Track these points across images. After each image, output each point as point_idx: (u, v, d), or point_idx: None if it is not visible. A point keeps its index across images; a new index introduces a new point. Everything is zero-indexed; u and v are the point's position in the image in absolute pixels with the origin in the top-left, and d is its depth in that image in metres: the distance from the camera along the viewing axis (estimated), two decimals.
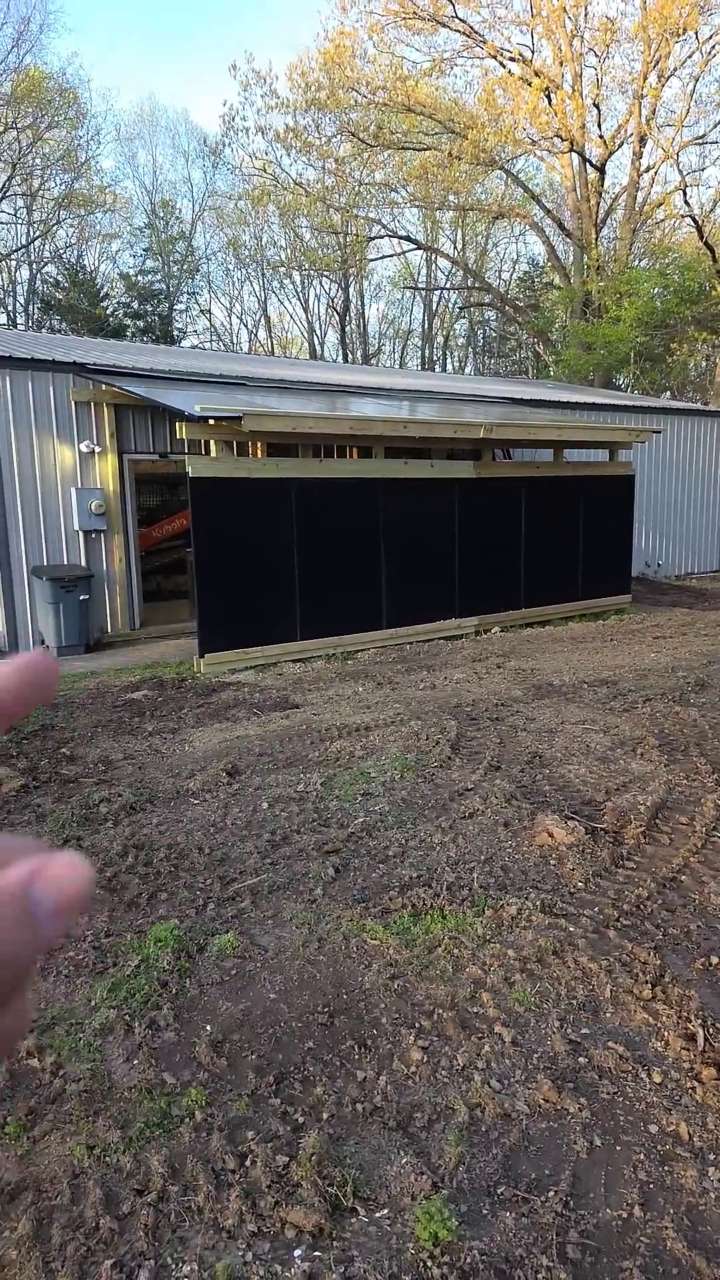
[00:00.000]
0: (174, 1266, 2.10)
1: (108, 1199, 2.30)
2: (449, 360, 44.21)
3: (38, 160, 33.15)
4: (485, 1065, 2.83)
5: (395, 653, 10.09)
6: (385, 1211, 2.27)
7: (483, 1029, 3.01)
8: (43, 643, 10.49)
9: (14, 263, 36.36)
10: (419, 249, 35.36)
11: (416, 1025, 3.02)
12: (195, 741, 6.52)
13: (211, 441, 9.18)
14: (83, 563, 10.91)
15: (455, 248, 39.41)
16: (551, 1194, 2.33)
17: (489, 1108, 2.63)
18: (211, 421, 8.72)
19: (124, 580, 11.39)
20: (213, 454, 9.15)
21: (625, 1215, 2.27)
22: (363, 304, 43.54)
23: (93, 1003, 3.09)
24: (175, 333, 39.12)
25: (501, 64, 26.36)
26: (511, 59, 26.21)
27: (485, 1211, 2.28)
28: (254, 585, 9.30)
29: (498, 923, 3.68)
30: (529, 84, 25.20)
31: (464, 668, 9.11)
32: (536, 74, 25.34)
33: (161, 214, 40.09)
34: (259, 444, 10.01)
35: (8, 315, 36.80)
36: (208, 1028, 3.00)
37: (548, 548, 12.09)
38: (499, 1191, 2.34)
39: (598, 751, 6.19)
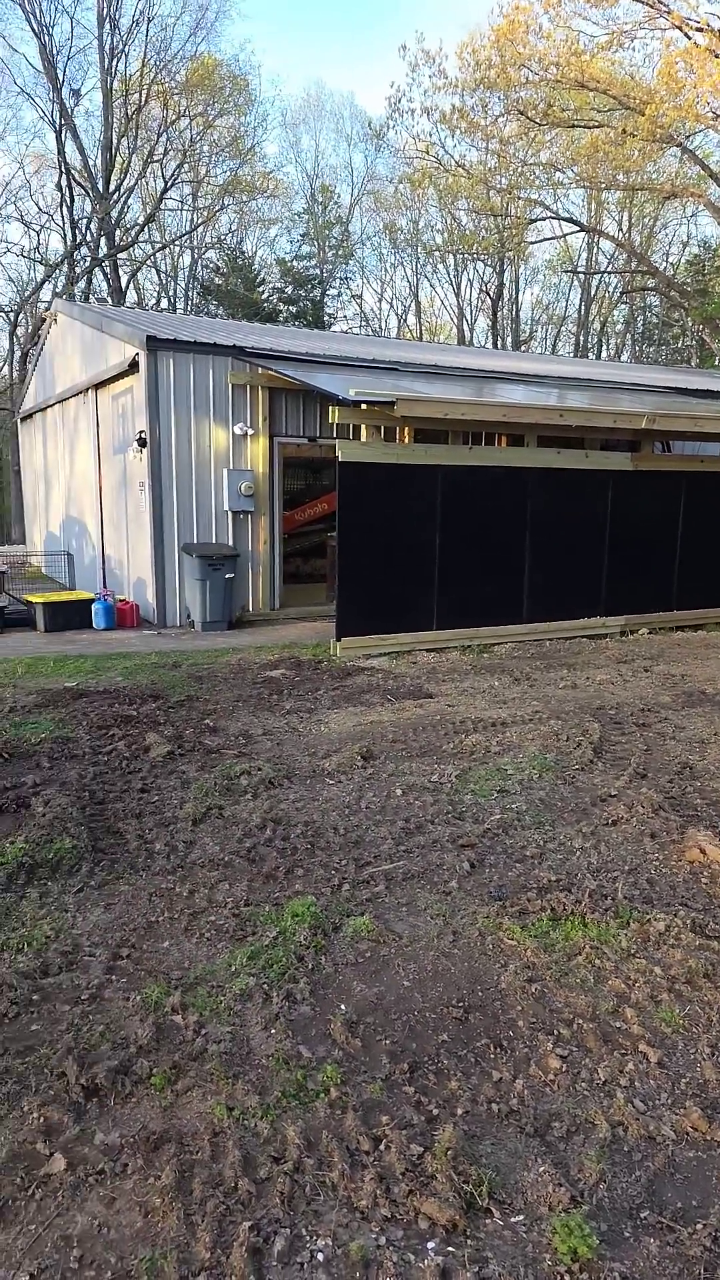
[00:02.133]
0: (308, 1239, 2.14)
1: (246, 1161, 2.36)
2: (605, 348, 42.52)
3: (205, 148, 34.40)
4: (629, 1084, 2.71)
5: (534, 648, 9.85)
6: (521, 1218, 2.21)
7: (626, 1045, 2.88)
8: (188, 617, 10.97)
9: (178, 248, 38.00)
10: (581, 230, 34.11)
11: (555, 1033, 2.93)
12: (330, 723, 6.62)
13: (362, 426, 9.25)
14: (230, 542, 11.31)
15: (620, 230, 37.75)
16: (700, 1227, 2.19)
17: (632, 1128, 2.51)
18: (363, 406, 8.77)
19: (267, 561, 11.72)
20: (363, 438, 9.21)
21: None
22: (517, 289, 42.61)
23: (233, 968, 3.19)
24: (326, 318, 39.71)
25: (686, 34, 24.81)
26: (698, 29, 24.62)
27: (627, 1234, 2.18)
28: (394, 572, 9.32)
29: (644, 937, 3.51)
30: (716, 55, 23.61)
31: (608, 668, 8.76)
32: None
33: (320, 199, 40.69)
34: (406, 429, 9.98)
35: (169, 300, 38.57)
36: (342, 1006, 3.03)
37: (706, 548, 11.41)
38: (642, 1215, 2.23)
39: None
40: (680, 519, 11.20)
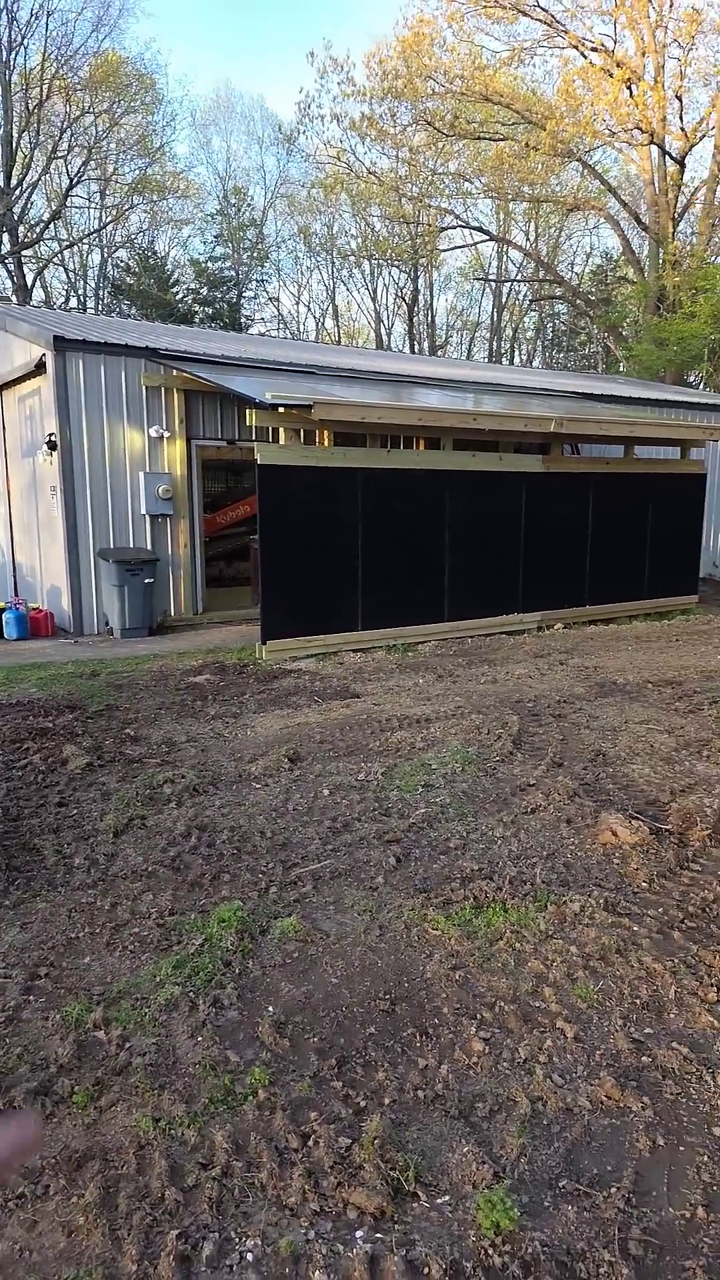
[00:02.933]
0: (237, 1240, 2.14)
1: (173, 1171, 2.34)
2: (517, 354, 43.62)
3: (112, 145, 33.73)
4: (547, 1059, 2.80)
5: (456, 646, 10.03)
6: (447, 1198, 2.27)
7: (545, 1023, 2.98)
8: (107, 625, 10.73)
9: (86, 247, 37.11)
10: (491, 240, 34.96)
11: (478, 1016, 3.00)
12: (257, 727, 6.59)
13: (280, 429, 9.25)
14: (148, 546, 11.12)
15: (528, 239, 38.81)
16: (614, 1190, 2.29)
17: (551, 1101, 2.60)
18: (281, 409, 8.77)
19: (188, 565, 11.57)
20: (281, 441, 9.21)
21: (689, 1215, 2.22)
22: (431, 295, 43.27)
23: (157, 979, 3.15)
24: (243, 320, 39.47)
25: (583, 54, 25.79)
26: (593, 49, 25.62)
27: (547, 1204, 2.26)
28: (317, 574, 9.35)
29: (560, 918, 3.63)
30: (610, 75, 24.60)
31: (526, 663, 9.01)
32: (618, 64, 24.70)
33: (233, 200, 40.43)
34: (326, 432, 10.03)
35: (79, 299, 37.62)
36: (270, 1008, 3.03)
37: (614, 545, 11.85)
38: (561, 1185, 2.32)
39: (662, 752, 6.06)
40: (590, 517, 11.60)
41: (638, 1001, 3.07)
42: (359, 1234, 2.15)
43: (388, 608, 9.89)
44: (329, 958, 3.36)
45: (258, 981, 3.19)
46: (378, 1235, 2.14)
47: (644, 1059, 2.78)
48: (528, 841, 4.47)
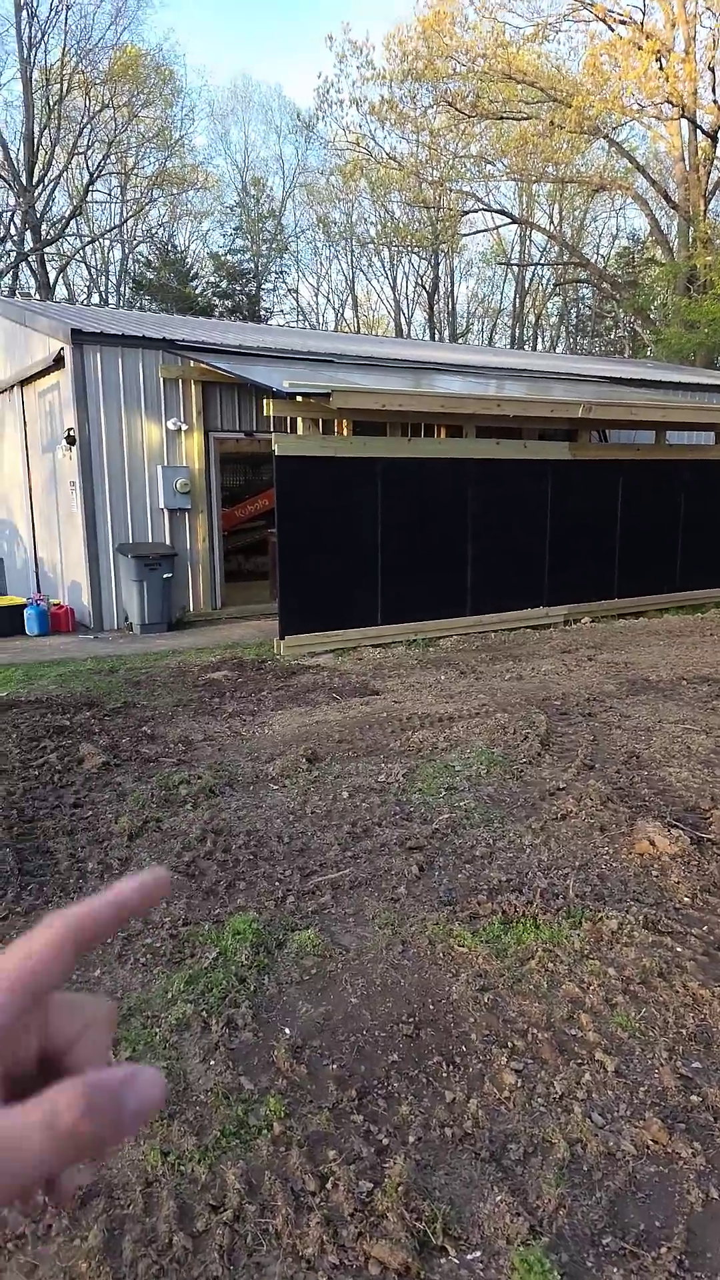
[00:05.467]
0: None
1: (182, 1213, 2.18)
2: (540, 340, 43.00)
3: (132, 139, 33.60)
4: (586, 1096, 2.59)
5: (479, 641, 9.79)
6: (478, 1254, 2.07)
7: (582, 1054, 2.77)
8: (126, 620, 10.62)
9: (108, 242, 37.08)
10: (514, 223, 34.39)
11: (509, 1045, 2.80)
12: (274, 725, 6.42)
13: (299, 419, 9.05)
14: (167, 541, 10.98)
15: (551, 222, 38.16)
16: (664, 1250, 2.09)
17: (591, 1145, 2.40)
18: (299, 398, 8.57)
19: (206, 560, 11.43)
20: (299, 432, 9.01)
21: None
22: (452, 282, 42.75)
23: (169, 995, 2.98)
24: (262, 312, 39.25)
25: (610, 26, 25.17)
26: (621, 21, 24.99)
27: (590, 1264, 2.06)
28: (336, 568, 9.15)
29: (596, 937, 3.41)
30: (639, 47, 23.98)
31: (552, 659, 8.75)
32: (647, 36, 24.07)
33: (252, 192, 40.18)
34: (345, 422, 9.82)
35: (100, 295, 37.63)
36: (287, 1030, 2.85)
37: (644, 535, 11.52)
38: (604, 1242, 2.12)
39: (700, 754, 5.79)
40: (619, 506, 11.28)
41: (684, 1032, 2.85)
42: None
43: (408, 602, 9.67)
44: (349, 975, 3.17)
45: (274, 1000, 3.02)
46: None
47: (693, 1098, 2.56)
48: (558, 850, 4.26)
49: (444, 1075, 2.67)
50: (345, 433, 9.75)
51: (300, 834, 4.40)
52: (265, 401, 8.75)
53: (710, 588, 12.39)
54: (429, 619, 9.84)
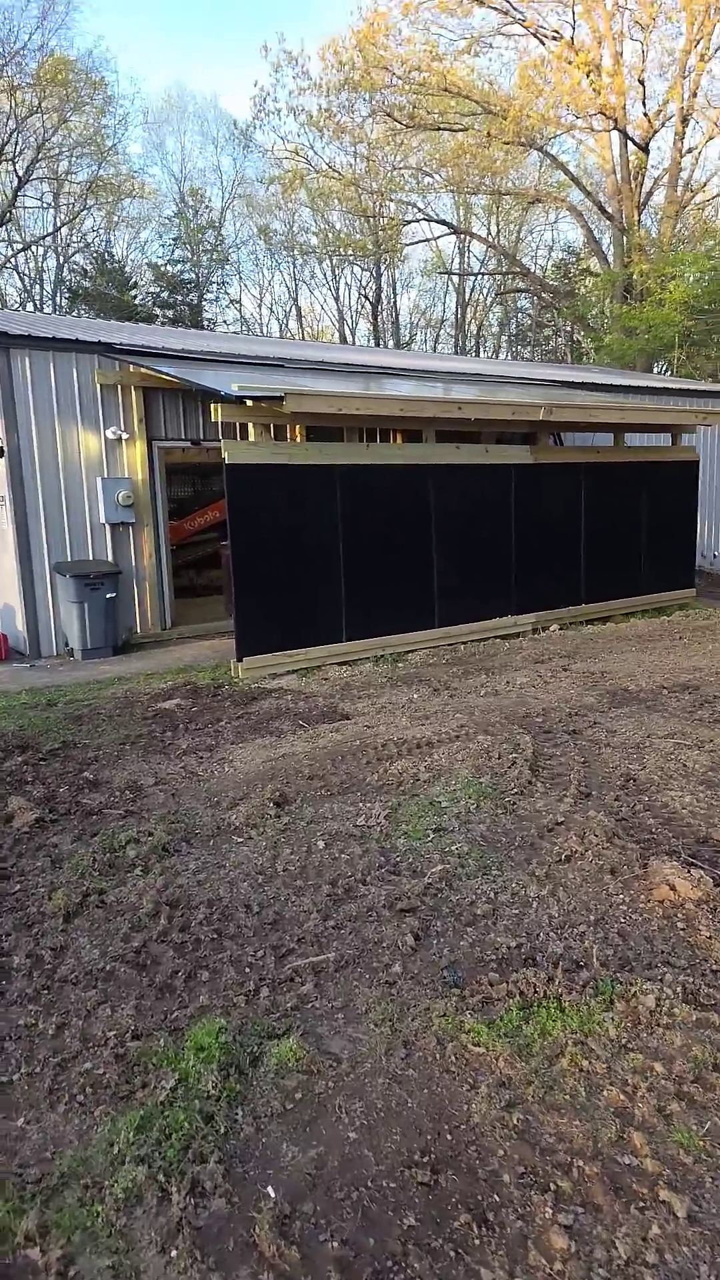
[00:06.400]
0: None
1: None
2: (482, 350, 43.07)
3: (64, 145, 32.61)
4: (658, 1259, 2.02)
5: (449, 653, 9.26)
6: None
7: (643, 1194, 2.20)
8: (66, 645, 9.83)
9: (41, 250, 35.93)
10: (453, 232, 34.38)
11: (551, 1187, 2.22)
12: (236, 761, 5.76)
13: (249, 425, 8.42)
14: (109, 558, 10.22)
15: (490, 234, 38.28)
16: None
17: None
18: (249, 403, 7.95)
19: (154, 576, 10.68)
20: (251, 438, 8.39)
21: None
22: (394, 293, 42.57)
23: (115, 1149, 2.32)
24: (205, 323, 38.46)
25: (541, 40, 25.26)
26: (551, 36, 25.09)
27: None
28: (296, 582, 8.52)
29: (633, 1019, 2.86)
30: (569, 62, 24.07)
31: (526, 670, 8.25)
32: (576, 52, 24.18)
33: (191, 202, 39.42)
34: (299, 429, 9.22)
35: (35, 304, 36.42)
36: (269, 1190, 2.22)
37: (609, 539, 11.17)
38: None
39: (699, 773, 5.33)
40: (582, 510, 10.90)
41: None
42: None
43: (373, 615, 9.09)
44: (343, 1097, 2.55)
45: (250, 1144, 2.38)
46: None
47: None
48: (569, 902, 3.70)
49: (476, 1244, 2.07)
50: (299, 439, 9.15)
51: (272, 900, 3.76)
52: (213, 407, 8.09)
53: (672, 590, 12.11)
54: (396, 632, 9.27)
